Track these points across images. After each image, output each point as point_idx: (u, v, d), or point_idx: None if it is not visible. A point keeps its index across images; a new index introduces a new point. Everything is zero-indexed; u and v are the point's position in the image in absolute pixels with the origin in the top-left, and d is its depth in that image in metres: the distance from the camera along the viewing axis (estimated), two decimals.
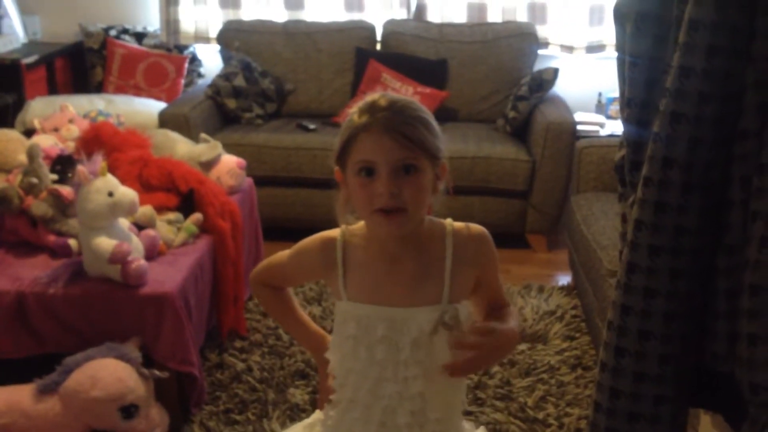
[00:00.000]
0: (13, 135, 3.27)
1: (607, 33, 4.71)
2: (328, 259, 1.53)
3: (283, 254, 1.64)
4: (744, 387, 1.37)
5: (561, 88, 4.54)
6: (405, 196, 1.38)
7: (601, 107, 4.71)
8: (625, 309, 1.45)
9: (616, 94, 4.60)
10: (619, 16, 1.48)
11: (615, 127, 4.45)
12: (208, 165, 3.29)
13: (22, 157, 2.90)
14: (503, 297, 1.61)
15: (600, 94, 4.73)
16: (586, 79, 4.84)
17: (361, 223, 1.52)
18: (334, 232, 1.54)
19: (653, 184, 1.37)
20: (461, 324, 1.47)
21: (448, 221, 1.52)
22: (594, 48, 4.76)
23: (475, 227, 1.53)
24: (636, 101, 1.45)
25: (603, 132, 4.43)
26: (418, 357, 1.46)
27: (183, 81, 4.87)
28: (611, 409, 1.51)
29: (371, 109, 1.40)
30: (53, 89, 4.83)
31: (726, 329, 1.39)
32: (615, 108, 4.62)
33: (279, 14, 4.94)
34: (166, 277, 2.58)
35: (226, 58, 4.73)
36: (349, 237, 1.53)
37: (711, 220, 1.37)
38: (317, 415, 1.72)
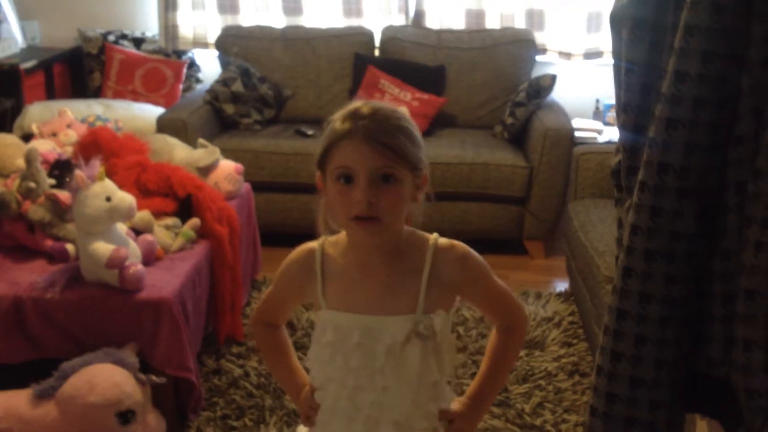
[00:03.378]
0: (11, 140, 3.28)
1: (605, 40, 4.71)
2: (307, 268, 1.54)
3: (271, 286, 1.67)
4: (740, 392, 1.37)
5: (559, 94, 4.55)
6: (381, 206, 1.39)
7: (598, 114, 4.72)
8: (621, 313, 1.45)
9: (614, 100, 4.60)
10: (615, 22, 1.49)
11: (613, 134, 4.45)
12: (206, 170, 3.30)
13: (20, 162, 2.90)
14: (515, 306, 1.62)
15: (598, 101, 4.74)
16: (584, 85, 4.84)
17: (342, 233, 1.53)
18: (314, 243, 1.55)
19: (649, 189, 1.37)
20: (436, 334, 1.47)
21: (434, 236, 1.52)
22: (592, 54, 4.77)
23: (459, 248, 1.52)
24: (632, 107, 1.46)
25: (601, 138, 4.44)
26: (392, 365, 1.46)
27: (181, 86, 4.88)
28: (607, 414, 1.51)
29: (353, 116, 1.40)
30: (51, 94, 4.83)
31: (721, 334, 1.39)
32: (612, 114, 4.62)
33: (277, 20, 4.95)
34: (163, 283, 2.58)
35: (224, 64, 4.74)
36: (328, 246, 1.54)
37: (706, 225, 1.37)
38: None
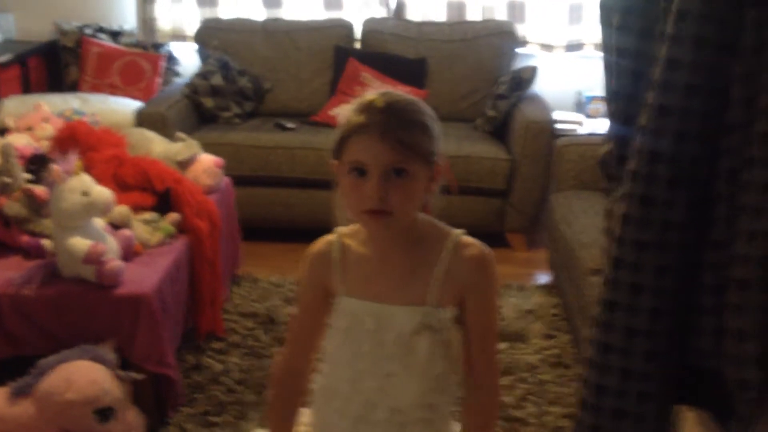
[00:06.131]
0: None
1: (587, 32, 4.71)
2: (326, 259, 1.52)
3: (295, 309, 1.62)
4: (732, 383, 1.36)
5: (540, 86, 4.53)
6: (393, 200, 1.37)
7: (580, 106, 4.71)
8: (611, 305, 1.44)
9: (595, 92, 4.62)
10: (605, 10, 1.47)
11: (594, 126, 4.45)
12: (185, 164, 3.26)
13: None
14: (494, 354, 1.54)
15: (579, 93, 4.73)
16: (565, 77, 4.82)
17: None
18: (330, 236, 1.55)
19: (640, 178, 1.35)
20: (444, 329, 1.47)
21: (457, 232, 1.52)
22: (573, 46, 4.75)
23: (481, 248, 1.52)
24: (622, 95, 1.44)
25: (582, 130, 4.43)
26: (400, 354, 1.46)
27: (160, 80, 4.82)
28: (597, 406, 1.49)
29: (368, 109, 1.38)
30: (27, 88, 4.75)
31: (712, 325, 1.38)
32: (594, 107, 4.62)
33: (257, 12, 4.90)
34: (142, 278, 2.55)
35: (203, 57, 4.69)
36: (346, 237, 1.53)
37: (698, 215, 1.36)
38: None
